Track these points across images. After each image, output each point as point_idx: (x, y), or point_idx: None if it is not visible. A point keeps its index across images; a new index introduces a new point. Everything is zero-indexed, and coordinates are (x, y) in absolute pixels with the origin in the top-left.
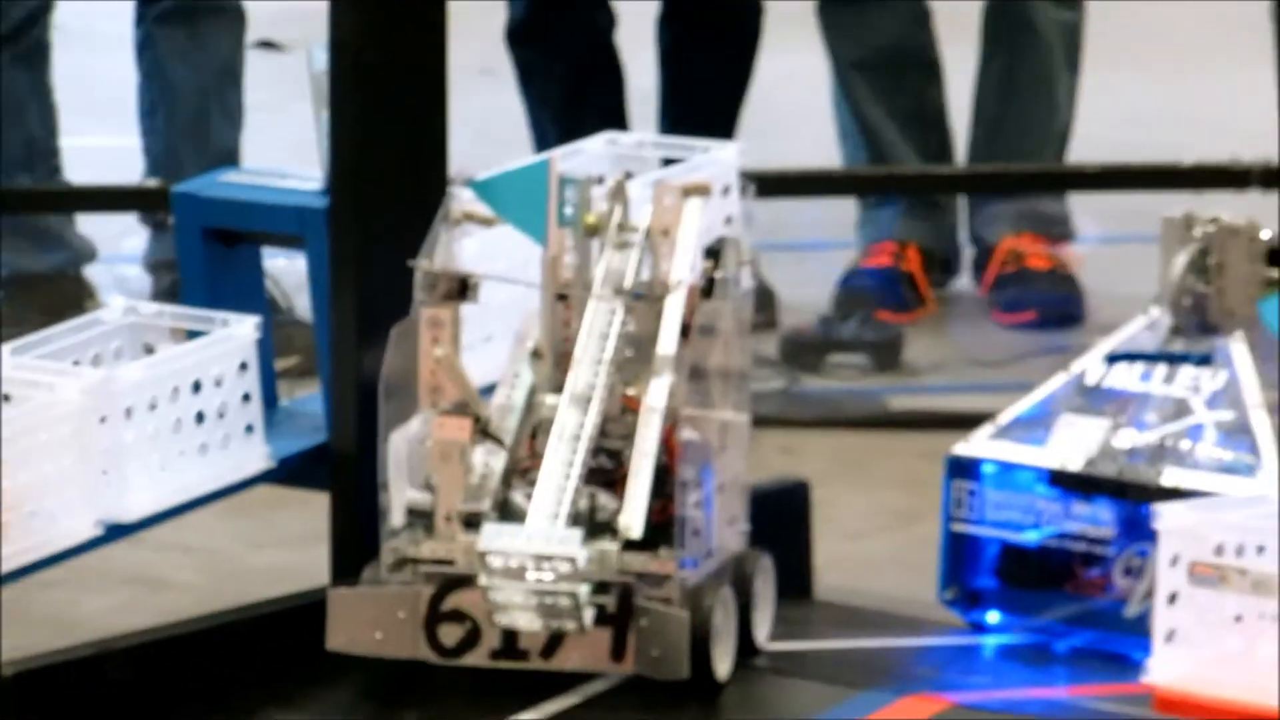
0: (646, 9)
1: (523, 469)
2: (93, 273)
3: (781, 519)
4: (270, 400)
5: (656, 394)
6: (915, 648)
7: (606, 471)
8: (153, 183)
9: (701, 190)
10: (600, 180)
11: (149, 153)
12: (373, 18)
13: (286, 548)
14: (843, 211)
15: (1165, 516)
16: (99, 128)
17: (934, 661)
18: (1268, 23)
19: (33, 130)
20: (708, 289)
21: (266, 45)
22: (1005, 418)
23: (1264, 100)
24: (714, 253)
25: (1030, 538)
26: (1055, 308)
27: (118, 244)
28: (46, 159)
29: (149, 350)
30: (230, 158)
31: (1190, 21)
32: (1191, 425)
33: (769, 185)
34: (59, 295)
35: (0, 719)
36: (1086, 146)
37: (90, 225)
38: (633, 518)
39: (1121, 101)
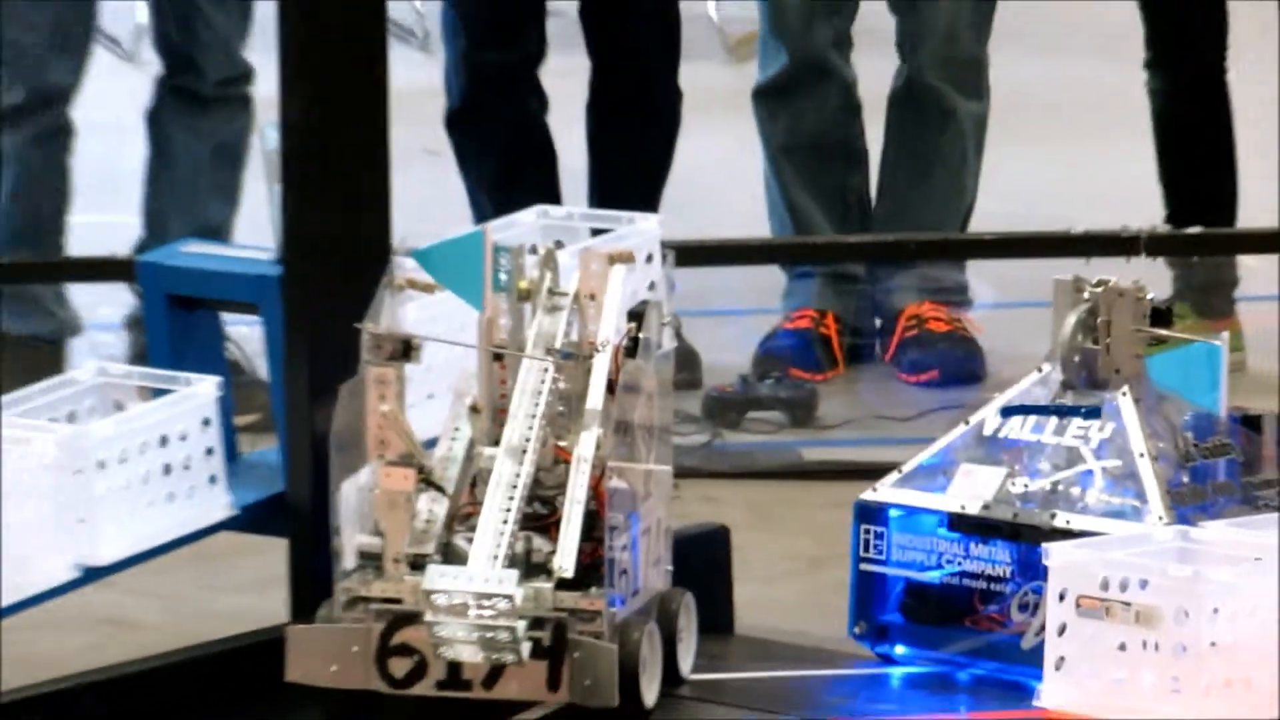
0: (578, 92)
1: (464, 515)
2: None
3: (703, 561)
4: (231, 453)
5: (585, 446)
6: (827, 678)
7: (540, 517)
8: (123, 255)
9: (625, 258)
10: (533, 249)
11: (145, 220)
12: (320, 101)
13: (247, 591)
14: (762, 280)
15: (1054, 554)
16: (89, 205)
17: (845, 691)
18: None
19: (46, 211)
20: (632, 349)
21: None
22: (909, 466)
23: (1145, 172)
24: (637, 315)
25: (933, 576)
26: (956, 367)
27: (94, 311)
28: (54, 236)
29: (119, 408)
30: (219, 233)
31: (1075, 101)
32: (1081, 472)
33: (688, 254)
34: (40, 360)
35: None
36: (983, 218)
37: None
38: (565, 559)
39: (1013, 177)
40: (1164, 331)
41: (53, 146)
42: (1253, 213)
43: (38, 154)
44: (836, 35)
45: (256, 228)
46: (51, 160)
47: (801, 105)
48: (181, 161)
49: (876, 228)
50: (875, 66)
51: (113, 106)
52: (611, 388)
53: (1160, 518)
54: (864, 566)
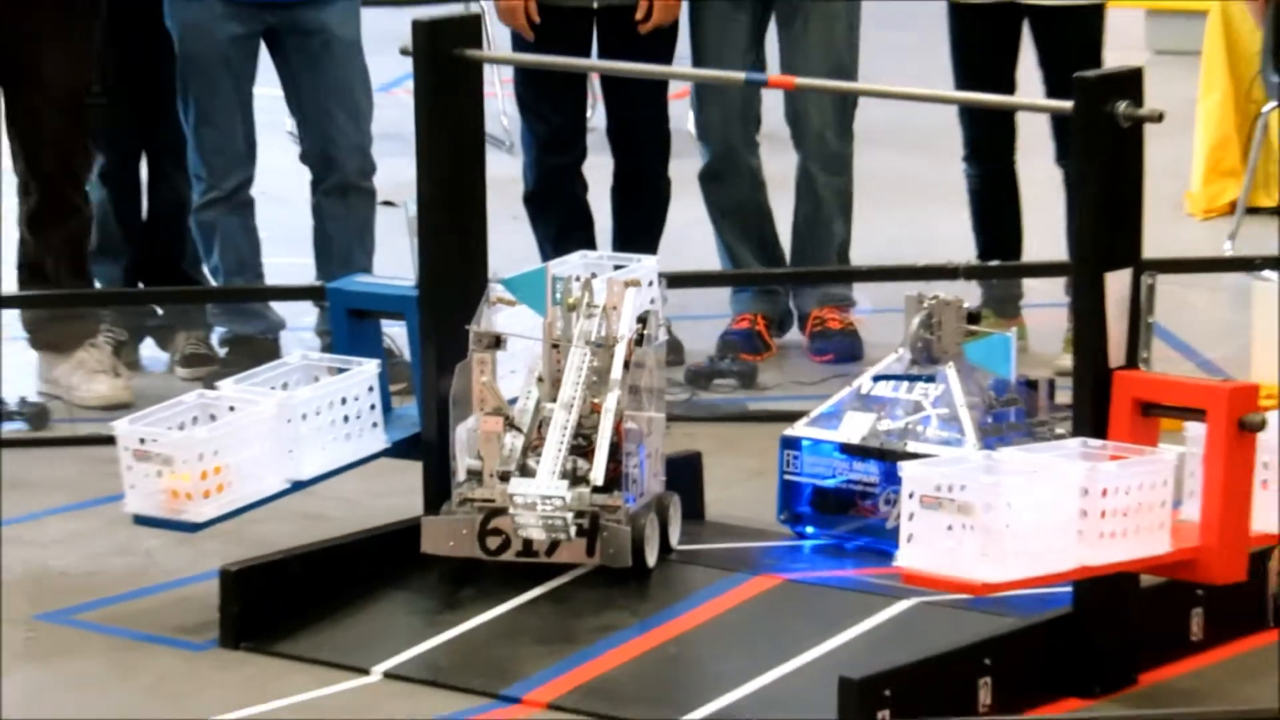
0: (606, 179)
1: (533, 446)
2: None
3: (685, 474)
4: (387, 407)
5: (610, 401)
6: (765, 547)
7: (582, 448)
8: (318, 284)
9: (635, 283)
10: (577, 278)
11: (317, 264)
12: (442, 184)
13: (397, 495)
14: (719, 296)
15: (906, 469)
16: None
17: (775, 555)
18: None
19: (244, 254)
20: (639, 341)
21: (387, 204)
22: (815, 413)
23: (963, 226)
24: (643, 319)
25: (830, 483)
26: (845, 350)
27: (298, 319)
28: (254, 270)
29: (315, 379)
30: (366, 271)
31: (917, 178)
32: (923, 416)
33: (673, 280)
34: (261, 350)
35: (227, 599)
36: (861, 256)
37: (282, 309)
38: (597, 474)
39: (878, 229)
40: (975, 327)
41: (243, 214)
42: (1032, 251)
43: (234, 220)
44: (745, 138)
45: (398, 266)
46: (245, 223)
47: (724, 185)
48: (338, 234)
49: (793, 260)
50: (782, 158)
51: (283, 178)
52: (626, 365)
53: (973, 445)
54: (787, 477)
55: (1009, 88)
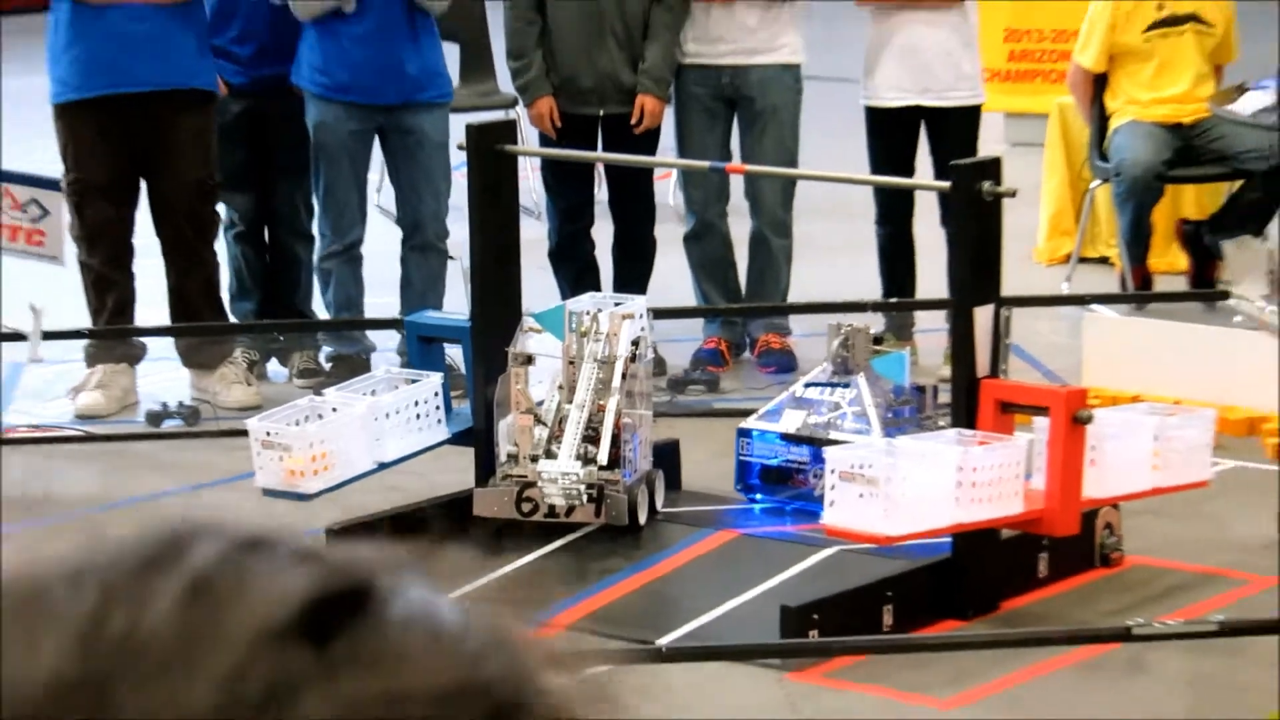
0: (607, 242)
1: (556, 436)
2: (373, 356)
3: (667, 456)
4: (448, 408)
5: (612, 403)
6: (725, 510)
7: (591, 437)
8: (399, 316)
9: (630, 315)
10: (587, 313)
11: (402, 301)
12: (488, 245)
13: (455, 472)
14: (693, 324)
15: (830, 452)
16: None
17: (733, 516)
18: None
19: (351, 294)
20: (633, 358)
21: (449, 257)
22: (762, 410)
23: (871, 272)
24: (636, 343)
25: (774, 462)
26: (785, 364)
27: (385, 343)
28: (359, 308)
29: (396, 388)
30: (438, 307)
31: (845, 238)
32: (841, 413)
33: (658, 314)
34: (356, 366)
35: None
36: (798, 295)
37: (372, 335)
38: (603, 456)
39: (810, 275)
40: (879, 347)
41: (355, 265)
42: (923, 290)
43: (348, 269)
44: (719, 211)
45: (457, 304)
46: (354, 272)
47: (703, 244)
48: (417, 281)
49: (747, 299)
50: (743, 223)
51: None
52: (623, 376)
53: (878, 434)
54: (742, 458)
55: (909, 171)
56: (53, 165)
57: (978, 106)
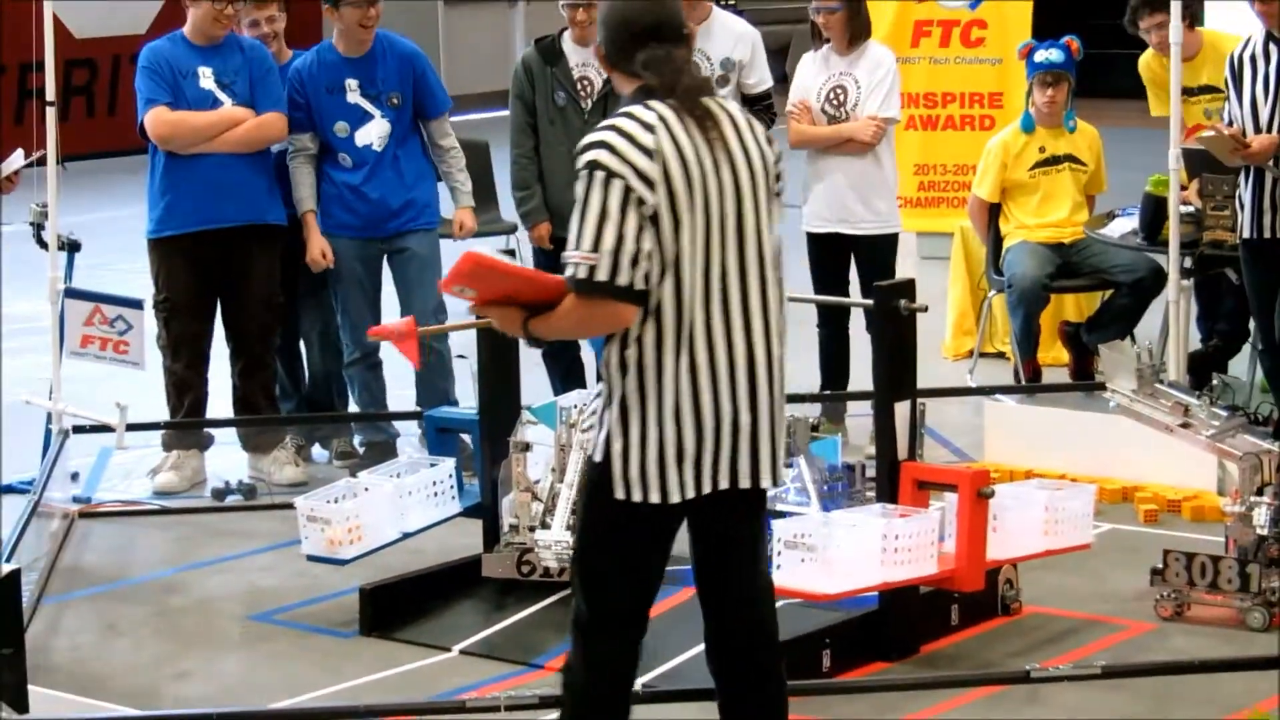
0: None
1: (550, 509)
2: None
3: None
4: (460, 486)
5: None
6: (690, 569)
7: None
8: (419, 409)
9: None
10: (575, 407)
11: (418, 398)
12: (492, 348)
13: (467, 537)
14: None
15: (776, 523)
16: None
17: None
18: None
19: (375, 393)
20: None
21: (460, 357)
22: None
23: (812, 367)
24: None
25: None
26: None
27: (408, 431)
28: (381, 402)
29: (417, 470)
30: (452, 404)
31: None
32: (785, 488)
33: None
34: (385, 451)
35: (364, 605)
36: None
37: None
38: None
39: None
40: (816, 432)
41: (375, 370)
42: (855, 383)
43: (369, 374)
44: None
45: (467, 398)
46: (375, 375)
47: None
48: (428, 390)
49: None
50: None
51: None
52: None
53: (817, 507)
54: None
55: (843, 283)
56: (122, 279)
57: (893, 235)
